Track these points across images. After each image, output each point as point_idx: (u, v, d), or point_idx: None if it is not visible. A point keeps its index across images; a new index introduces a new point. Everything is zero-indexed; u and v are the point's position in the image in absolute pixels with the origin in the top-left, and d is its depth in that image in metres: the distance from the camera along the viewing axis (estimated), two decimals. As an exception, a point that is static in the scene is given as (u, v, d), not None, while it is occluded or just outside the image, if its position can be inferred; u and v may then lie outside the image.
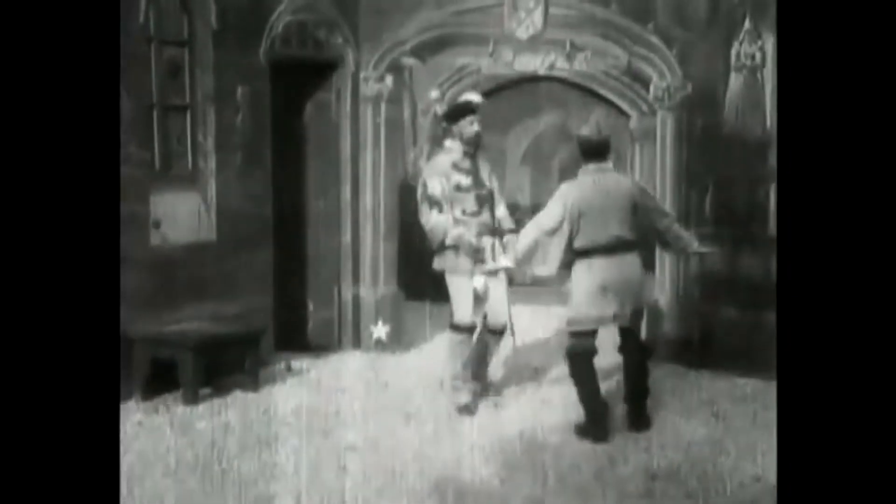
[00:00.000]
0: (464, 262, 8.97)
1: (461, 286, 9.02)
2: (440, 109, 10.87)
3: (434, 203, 8.99)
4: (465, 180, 9.07)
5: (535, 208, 10.73)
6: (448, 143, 9.21)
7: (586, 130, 8.69)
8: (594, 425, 8.43)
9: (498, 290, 9.12)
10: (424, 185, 9.08)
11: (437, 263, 9.15)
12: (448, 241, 8.96)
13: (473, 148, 9.16)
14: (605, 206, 8.44)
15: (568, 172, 11.10)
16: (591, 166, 8.54)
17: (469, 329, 9.04)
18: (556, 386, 9.53)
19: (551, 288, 9.83)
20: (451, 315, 9.19)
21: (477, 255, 8.95)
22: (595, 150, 8.55)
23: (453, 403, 9.10)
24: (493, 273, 9.02)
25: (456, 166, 9.08)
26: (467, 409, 9.03)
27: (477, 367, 9.23)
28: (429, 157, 11.02)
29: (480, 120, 9.15)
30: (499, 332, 9.22)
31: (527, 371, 9.89)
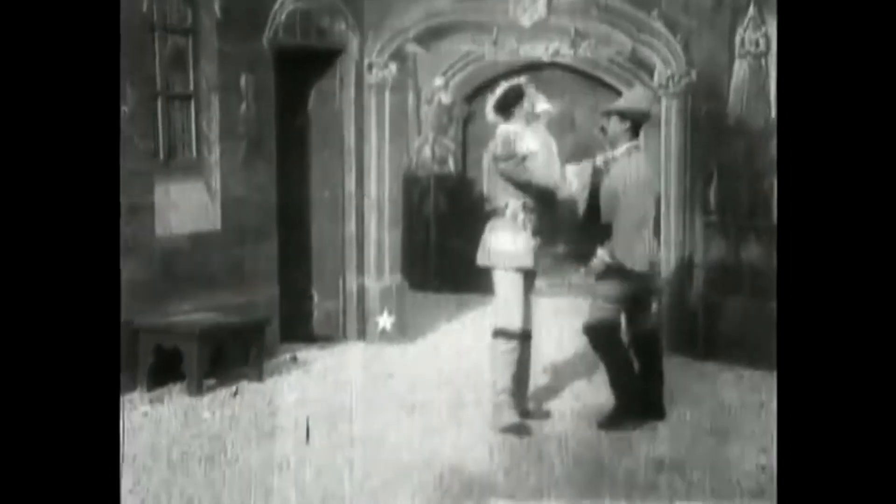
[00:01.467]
0: (519, 256, 8.29)
1: (512, 284, 8.28)
2: (445, 99, 10.79)
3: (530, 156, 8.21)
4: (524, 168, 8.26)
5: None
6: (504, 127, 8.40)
7: (634, 101, 8.53)
8: (628, 409, 8.37)
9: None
10: (511, 143, 8.24)
11: (483, 258, 8.38)
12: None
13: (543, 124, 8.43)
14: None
15: (572, 159, 11.10)
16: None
17: (518, 335, 8.31)
18: (562, 376, 9.52)
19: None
20: (495, 319, 8.43)
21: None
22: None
23: (498, 424, 8.30)
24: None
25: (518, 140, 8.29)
26: (519, 430, 8.24)
27: (521, 379, 8.51)
28: (435, 149, 10.96)
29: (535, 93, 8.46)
30: (510, 336, 8.35)
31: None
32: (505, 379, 8.30)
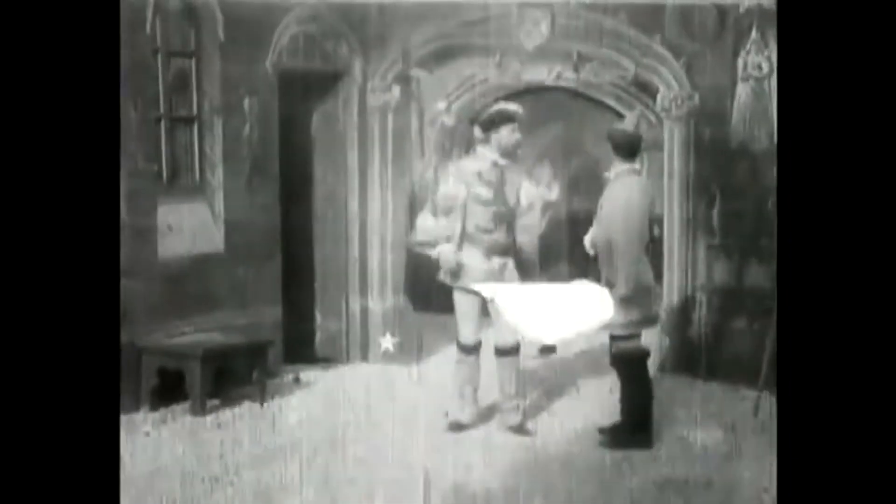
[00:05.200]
0: (471, 275, 8.76)
1: (466, 301, 8.82)
2: (448, 121, 10.81)
3: (441, 210, 8.76)
4: (487, 193, 8.76)
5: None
6: (480, 149, 8.89)
7: (621, 124, 8.64)
8: (641, 428, 8.46)
9: (508, 306, 8.80)
10: (438, 184, 8.93)
11: (443, 275, 8.93)
12: (433, 255, 8.82)
13: (510, 159, 8.86)
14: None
15: (575, 182, 11.12)
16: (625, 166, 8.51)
17: (474, 349, 8.85)
18: (564, 396, 9.50)
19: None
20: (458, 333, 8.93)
21: (454, 278, 8.76)
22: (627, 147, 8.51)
23: (450, 421, 8.91)
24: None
25: (481, 176, 8.77)
26: (459, 427, 8.85)
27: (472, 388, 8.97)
28: (438, 166, 10.96)
29: (519, 129, 8.91)
30: (508, 352, 8.86)
31: (532, 382, 9.83)
32: (458, 387, 8.92)
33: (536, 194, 9.20)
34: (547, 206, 10.15)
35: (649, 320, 8.56)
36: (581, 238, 8.72)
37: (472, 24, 11.32)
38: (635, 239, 8.40)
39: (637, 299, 8.38)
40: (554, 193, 9.51)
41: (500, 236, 8.84)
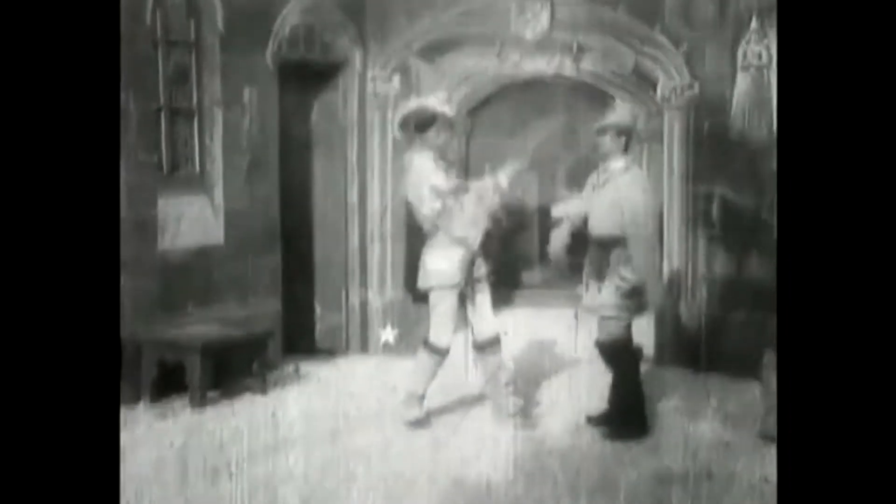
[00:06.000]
0: (451, 275, 8.66)
1: (444, 302, 8.69)
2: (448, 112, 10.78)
3: (440, 194, 8.52)
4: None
5: (542, 210, 10.77)
6: (415, 155, 8.72)
7: (614, 116, 8.61)
8: (631, 417, 8.51)
9: (483, 302, 8.85)
10: (424, 180, 8.54)
11: (423, 281, 8.79)
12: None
13: (446, 161, 8.76)
14: None
15: (575, 173, 11.12)
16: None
17: (444, 352, 8.72)
18: (564, 389, 9.51)
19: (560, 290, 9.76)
20: (428, 333, 8.79)
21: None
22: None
23: (405, 417, 8.80)
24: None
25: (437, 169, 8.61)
26: (418, 424, 8.76)
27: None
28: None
29: (451, 128, 8.75)
30: (489, 346, 8.83)
31: (532, 374, 9.85)
32: (419, 384, 8.80)
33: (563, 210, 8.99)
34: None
35: (641, 307, 8.56)
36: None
37: (472, 15, 11.33)
38: (652, 231, 8.42)
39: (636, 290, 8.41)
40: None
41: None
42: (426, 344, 8.78)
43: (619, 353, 8.52)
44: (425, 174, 8.57)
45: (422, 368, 8.82)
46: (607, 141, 8.45)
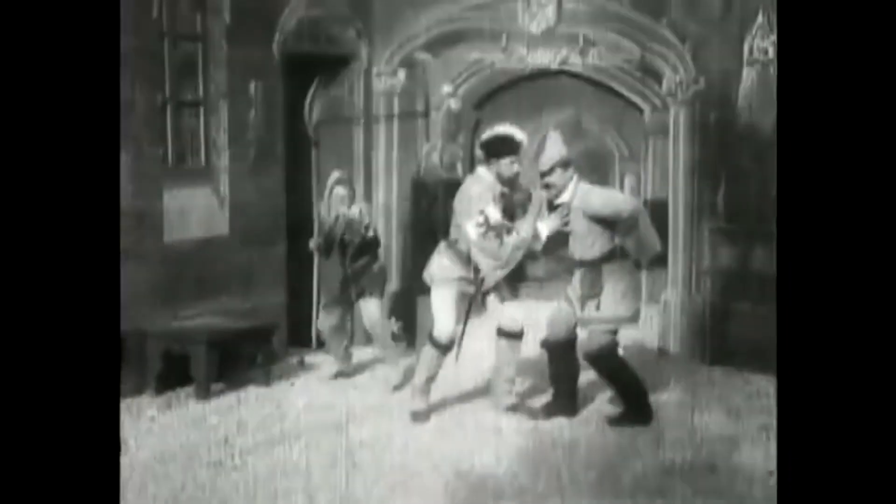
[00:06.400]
0: (454, 269, 8.74)
1: (446, 297, 8.78)
2: (454, 105, 10.77)
3: (499, 232, 8.48)
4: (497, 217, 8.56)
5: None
6: (482, 171, 8.75)
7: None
8: (639, 410, 8.65)
9: (511, 297, 9.02)
10: (482, 215, 8.47)
11: (427, 274, 8.91)
12: (543, 238, 8.62)
13: (509, 188, 8.71)
14: None
15: (581, 167, 11.10)
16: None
17: (446, 347, 8.80)
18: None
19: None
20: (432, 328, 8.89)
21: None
22: None
23: (412, 409, 8.85)
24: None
25: (495, 199, 8.59)
26: (420, 417, 8.80)
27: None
28: (444, 156, 10.96)
29: (521, 161, 8.70)
30: (512, 336, 8.93)
31: (538, 368, 9.83)
32: (423, 376, 8.85)
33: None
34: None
35: (634, 317, 8.68)
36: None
37: (478, 8, 11.33)
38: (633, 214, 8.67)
39: (630, 294, 8.61)
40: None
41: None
42: (429, 337, 8.86)
43: (607, 363, 8.68)
44: (483, 197, 8.57)
45: (424, 361, 8.88)
46: (556, 177, 8.58)
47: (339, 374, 10.09)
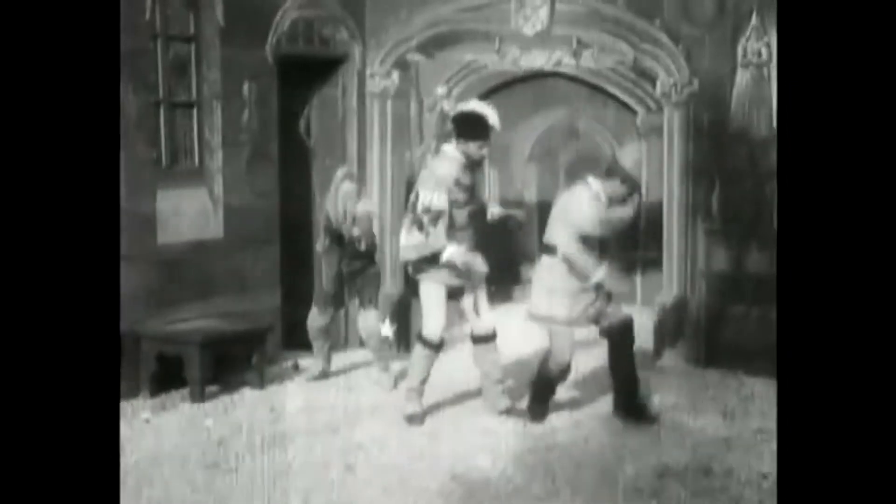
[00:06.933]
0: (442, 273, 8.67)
1: (434, 295, 8.74)
2: (447, 106, 10.77)
3: (434, 218, 8.49)
4: (463, 196, 8.62)
5: (542, 205, 10.76)
6: (449, 150, 8.70)
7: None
8: (637, 402, 8.77)
9: (481, 297, 8.96)
10: (422, 196, 8.55)
11: (415, 270, 8.83)
12: (443, 258, 8.57)
13: (475, 168, 8.81)
14: None
15: (574, 168, 11.09)
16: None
17: (437, 346, 8.79)
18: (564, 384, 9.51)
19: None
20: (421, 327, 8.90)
21: (466, 277, 8.72)
22: None
23: (404, 413, 8.82)
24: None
25: (458, 182, 8.58)
26: (415, 420, 8.76)
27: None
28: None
29: (490, 144, 8.75)
30: (487, 339, 8.93)
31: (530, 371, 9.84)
32: (415, 378, 8.85)
33: None
34: None
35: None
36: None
37: (471, 10, 11.32)
38: None
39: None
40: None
41: (472, 233, 8.77)
42: (419, 338, 8.86)
43: (625, 336, 8.78)
44: (453, 170, 8.59)
45: (417, 362, 8.86)
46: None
47: (321, 375, 10.08)
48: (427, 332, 8.77)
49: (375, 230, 10.25)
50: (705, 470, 7.57)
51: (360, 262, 9.87)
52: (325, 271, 10.03)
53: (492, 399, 8.94)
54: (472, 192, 8.79)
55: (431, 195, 8.50)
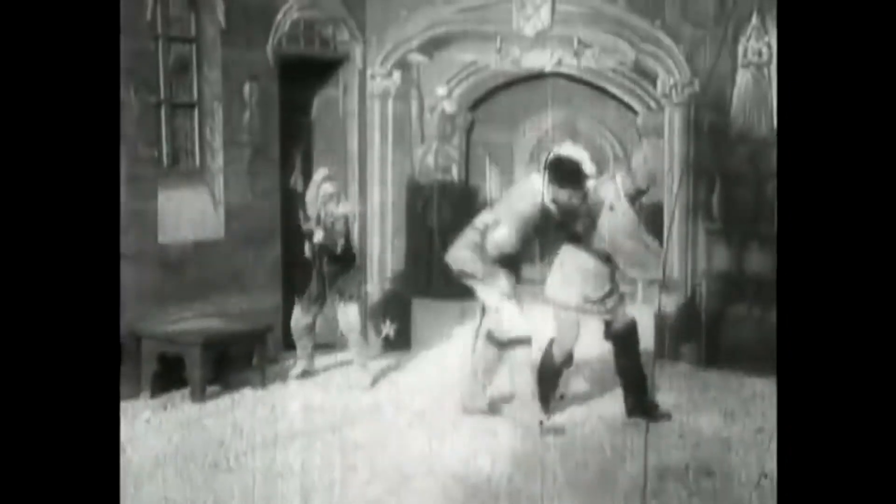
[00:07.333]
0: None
1: (490, 295, 8.68)
2: (449, 108, 10.78)
3: (499, 258, 8.54)
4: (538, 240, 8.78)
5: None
6: (536, 184, 8.56)
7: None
8: (647, 401, 8.81)
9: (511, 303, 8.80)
10: (497, 231, 8.51)
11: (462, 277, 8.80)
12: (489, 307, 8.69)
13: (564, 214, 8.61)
14: None
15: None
16: None
17: (505, 344, 8.70)
18: (565, 382, 9.52)
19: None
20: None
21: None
22: None
23: (468, 406, 8.89)
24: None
25: (537, 227, 8.59)
26: (479, 411, 8.82)
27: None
28: (438, 158, 10.94)
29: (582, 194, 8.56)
30: (520, 343, 8.74)
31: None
32: (482, 377, 8.91)
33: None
34: None
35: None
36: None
37: (472, 10, 11.32)
38: None
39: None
40: None
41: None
42: (487, 336, 8.81)
43: (631, 340, 8.82)
44: (535, 211, 8.52)
45: (482, 359, 8.86)
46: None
47: (304, 374, 10.09)
48: (494, 329, 8.72)
49: (354, 233, 10.24)
50: (706, 470, 7.57)
51: (338, 263, 9.85)
52: (303, 272, 10.05)
53: (525, 416, 8.68)
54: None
55: (507, 232, 8.48)
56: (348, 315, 9.91)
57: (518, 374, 8.70)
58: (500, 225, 8.49)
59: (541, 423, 8.59)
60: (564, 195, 8.46)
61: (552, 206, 8.50)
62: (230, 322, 9.82)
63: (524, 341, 8.66)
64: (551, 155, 8.61)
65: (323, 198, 9.79)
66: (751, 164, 10.28)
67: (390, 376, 10.12)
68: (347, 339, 10.05)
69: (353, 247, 10.11)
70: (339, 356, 10.56)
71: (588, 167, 8.48)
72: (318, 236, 9.76)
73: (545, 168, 8.56)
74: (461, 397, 9.01)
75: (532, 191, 8.57)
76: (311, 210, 9.86)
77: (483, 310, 8.82)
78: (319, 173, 10.05)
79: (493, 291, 8.59)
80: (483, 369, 8.90)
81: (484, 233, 8.55)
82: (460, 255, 8.63)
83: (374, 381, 9.75)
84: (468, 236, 8.63)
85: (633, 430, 8.50)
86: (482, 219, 8.68)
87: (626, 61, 11.05)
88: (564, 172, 8.46)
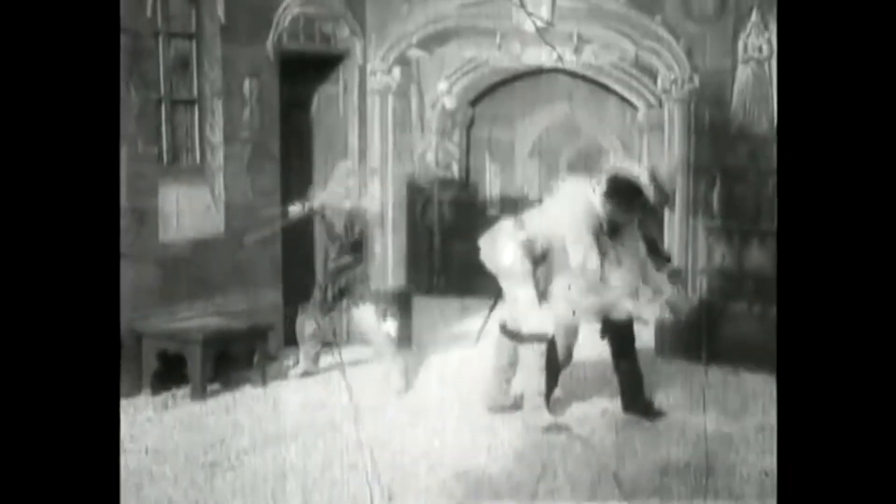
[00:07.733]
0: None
1: (514, 290, 8.68)
2: (449, 103, 10.76)
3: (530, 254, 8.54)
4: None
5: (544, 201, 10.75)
6: (591, 195, 8.51)
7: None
8: (644, 399, 8.84)
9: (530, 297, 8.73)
10: (575, 251, 8.41)
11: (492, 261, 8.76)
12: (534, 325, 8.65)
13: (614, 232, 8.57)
14: None
15: (576, 165, 11.10)
16: None
17: (524, 338, 8.69)
18: (566, 381, 9.51)
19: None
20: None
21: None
22: None
23: (492, 405, 8.92)
24: None
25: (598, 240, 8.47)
26: (504, 409, 8.84)
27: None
28: (438, 154, 10.92)
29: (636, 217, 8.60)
30: (538, 339, 8.73)
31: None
32: (504, 373, 8.92)
33: None
34: None
35: None
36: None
37: (473, 6, 11.31)
38: None
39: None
40: None
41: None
42: (503, 329, 8.83)
43: (626, 334, 8.86)
44: (575, 225, 8.48)
45: (504, 356, 8.87)
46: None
47: (305, 374, 10.08)
48: (511, 323, 8.74)
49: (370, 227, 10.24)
50: (707, 467, 7.57)
51: (348, 257, 9.83)
52: (307, 274, 10.04)
53: (532, 415, 8.66)
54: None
55: (584, 252, 8.41)
56: (366, 318, 9.86)
57: (529, 373, 8.68)
58: (577, 244, 8.40)
59: (552, 422, 8.59)
60: (619, 213, 8.46)
61: (605, 222, 8.48)
62: (231, 320, 9.81)
63: (542, 338, 8.64)
64: (612, 171, 8.55)
65: (347, 190, 9.76)
66: (751, 160, 10.27)
67: (390, 374, 10.10)
68: (371, 342, 10.00)
69: (362, 242, 10.09)
70: (346, 355, 10.57)
71: (647, 192, 8.40)
72: (339, 227, 9.74)
73: (606, 181, 8.48)
74: (484, 397, 8.99)
75: (589, 209, 8.49)
76: (335, 201, 9.79)
77: (493, 305, 8.82)
78: (341, 166, 10.04)
79: (527, 289, 8.58)
80: (504, 366, 8.92)
81: (531, 235, 8.54)
82: (508, 253, 8.60)
83: (409, 385, 9.69)
84: (516, 236, 8.60)
85: (633, 427, 8.50)
86: (531, 221, 8.64)
87: (626, 57, 11.03)
88: (623, 191, 8.41)
